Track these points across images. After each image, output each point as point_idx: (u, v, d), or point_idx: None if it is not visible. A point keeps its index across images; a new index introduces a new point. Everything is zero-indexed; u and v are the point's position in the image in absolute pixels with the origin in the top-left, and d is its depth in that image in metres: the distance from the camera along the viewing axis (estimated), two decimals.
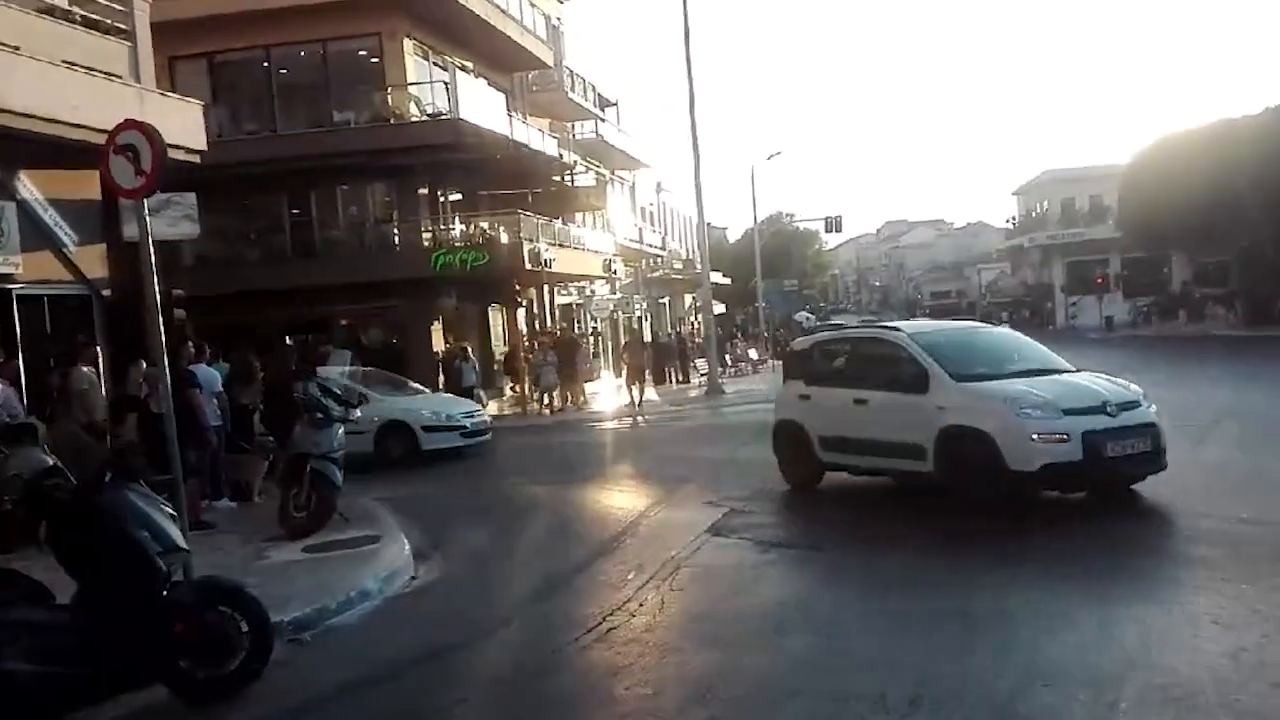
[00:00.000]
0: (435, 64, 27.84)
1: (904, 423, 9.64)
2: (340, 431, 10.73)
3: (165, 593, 5.62)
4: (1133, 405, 9.22)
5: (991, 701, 4.91)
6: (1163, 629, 5.82)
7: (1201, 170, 38.49)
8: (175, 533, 5.81)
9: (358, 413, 11.23)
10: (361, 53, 26.98)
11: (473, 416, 17.63)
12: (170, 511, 5.97)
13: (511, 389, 28.82)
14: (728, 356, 36.52)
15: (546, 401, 25.39)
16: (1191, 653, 5.36)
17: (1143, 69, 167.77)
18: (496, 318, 31.10)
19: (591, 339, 37.63)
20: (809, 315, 24.79)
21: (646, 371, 28.51)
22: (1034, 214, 66.72)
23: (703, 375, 31.02)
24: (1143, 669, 5.15)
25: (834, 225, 52.01)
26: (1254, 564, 6.92)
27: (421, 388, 19.66)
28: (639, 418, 23.42)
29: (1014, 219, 71.57)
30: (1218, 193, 37.36)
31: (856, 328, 13.31)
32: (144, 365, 11.28)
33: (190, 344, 12.30)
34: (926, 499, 9.61)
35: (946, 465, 9.22)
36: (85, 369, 11.79)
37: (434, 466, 16.13)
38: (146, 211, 7.84)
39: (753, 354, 39.44)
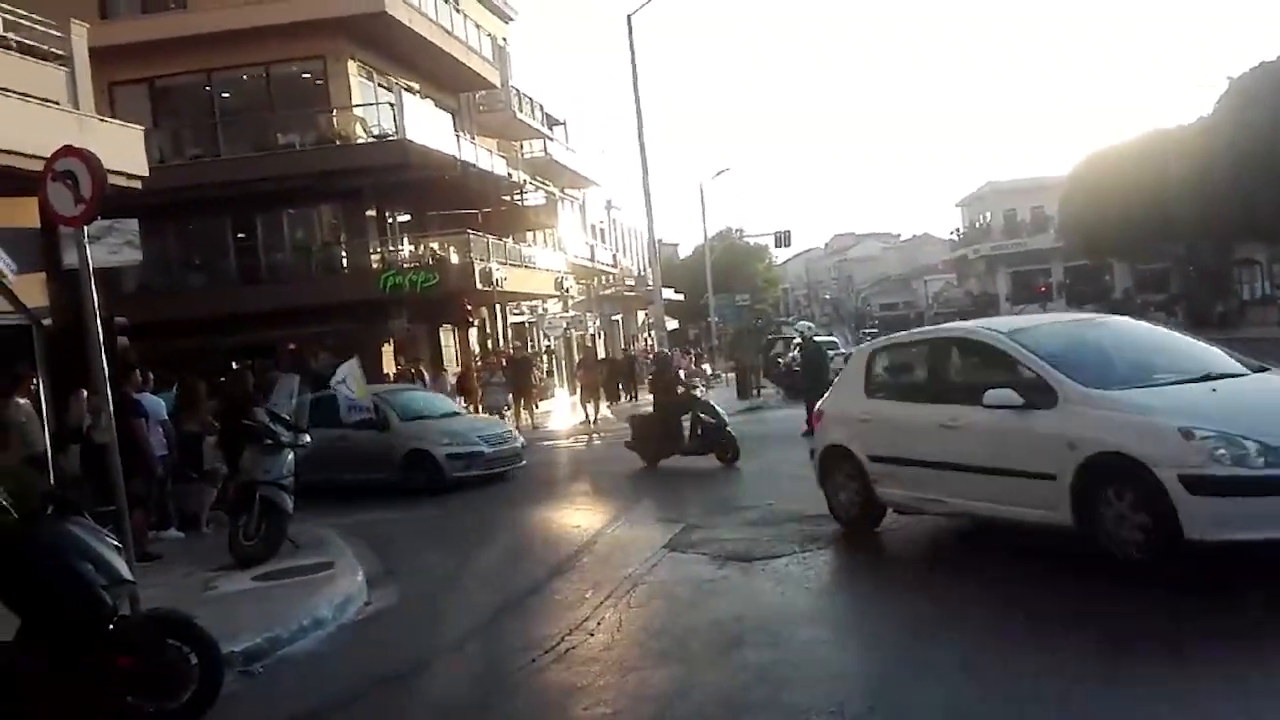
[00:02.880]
0: (381, 85, 27.74)
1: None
2: (290, 457, 10.59)
3: (111, 626, 5.50)
4: None
5: (947, 709, 4.95)
6: None
7: (1137, 180, 39.49)
8: (121, 565, 5.69)
9: (307, 438, 11.07)
10: (305, 75, 26.81)
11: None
12: (115, 543, 5.85)
13: (465, 409, 28.63)
14: (682, 372, 36.59)
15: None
16: None
17: (1081, 83, 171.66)
18: (449, 338, 30.93)
19: (545, 357, 37.57)
20: (810, 325, 24.71)
21: (601, 389, 28.52)
22: (978, 225, 67.95)
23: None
24: None
25: (783, 240, 52.47)
26: None
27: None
28: (594, 435, 23.37)
29: (958, 230, 72.84)
30: (1154, 202, 38.32)
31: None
32: (85, 395, 11.05)
33: (136, 372, 12.08)
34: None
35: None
36: (22, 401, 11.52)
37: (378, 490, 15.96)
38: (86, 239, 7.70)
39: (707, 369, 39.58)
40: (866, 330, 54.67)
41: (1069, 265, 56.44)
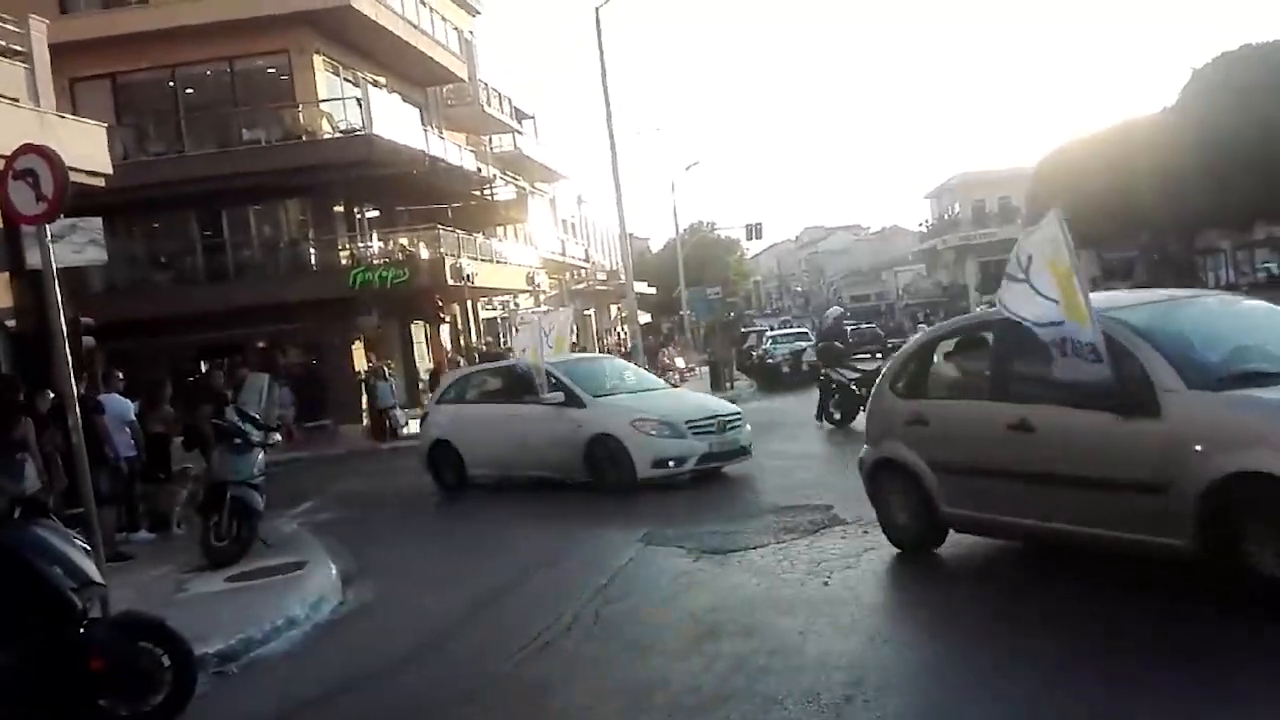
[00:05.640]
0: (347, 80, 27.52)
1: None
2: (260, 457, 10.50)
3: (82, 630, 5.44)
4: None
5: (924, 694, 4.98)
6: None
7: (1104, 169, 39.83)
8: (90, 567, 5.63)
9: (277, 436, 10.99)
10: (270, 70, 26.55)
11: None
12: (84, 545, 5.79)
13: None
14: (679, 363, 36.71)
15: None
16: None
17: (1048, 75, 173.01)
18: (420, 335, 30.77)
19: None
20: (841, 309, 24.61)
21: None
22: (946, 216, 68.36)
23: None
24: None
25: (754, 232, 52.63)
26: None
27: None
28: None
29: (927, 222, 73.21)
30: (1119, 191, 38.69)
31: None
32: (50, 396, 10.90)
33: (101, 372, 11.95)
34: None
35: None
36: None
37: (352, 482, 15.80)
38: (49, 238, 7.60)
39: (680, 362, 39.61)
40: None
41: None
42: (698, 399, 14.20)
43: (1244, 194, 33.11)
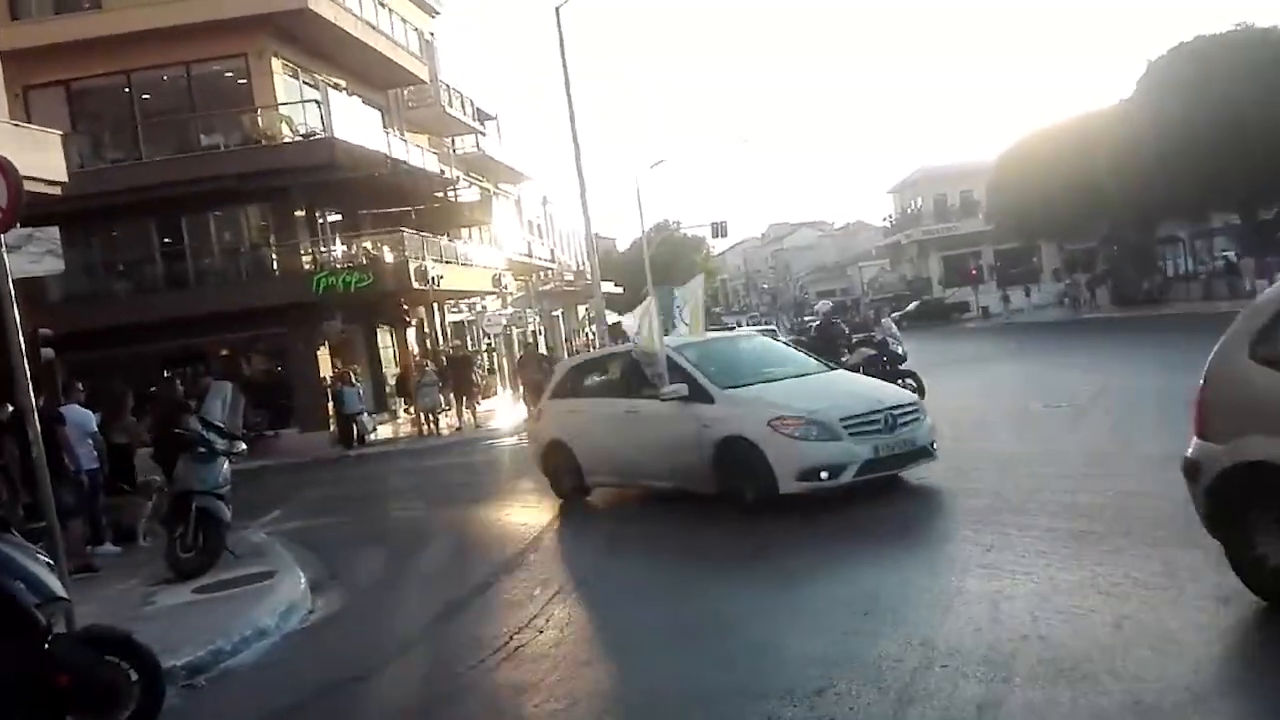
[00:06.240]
0: (306, 83, 27.27)
1: None
2: (225, 466, 10.39)
3: (46, 645, 5.35)
4: None
5: (894, 684, 5.01)
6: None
7: (1064, 162, 40.39)
8: (54, 581, 5.54)
9: (242, 445, 10.86)
10: (228, 74, 26.26)
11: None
12: (47, 560, 5.70)
13: (406, 411, 28.36)
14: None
15: (429, 421, 25.01)
16: (1078, 623, 5.56)
17: (1009, 69, 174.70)
18: (386, 339, 30.58)
19: (486, 355, 37.32)
20: (828, 303, 24.58)
21: (544, 385, 28.39)
22: (909, 211, 68.93)
23: None
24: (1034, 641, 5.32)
25: (720, 230, 52.82)
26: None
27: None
28: None
29: (891, 217, 73.77)
30: (1080, 183, 39.25)
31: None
32: (9, 408, 10.73)
33: (61, 383, 11.78)
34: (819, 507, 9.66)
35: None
36: None
37: (320, 489, 15.68)
38: (5, 248, 7.48)
39: None
40: (806, 318, 55.28)
41: (999, 248, 57.57)
42: (861, 386, 10.98)
43: (1200, 183, 33.66)
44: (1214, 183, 33.44)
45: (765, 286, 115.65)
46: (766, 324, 41.74)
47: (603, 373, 12.39)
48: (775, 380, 10.56)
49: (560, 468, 11.87)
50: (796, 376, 10.79)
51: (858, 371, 14.10)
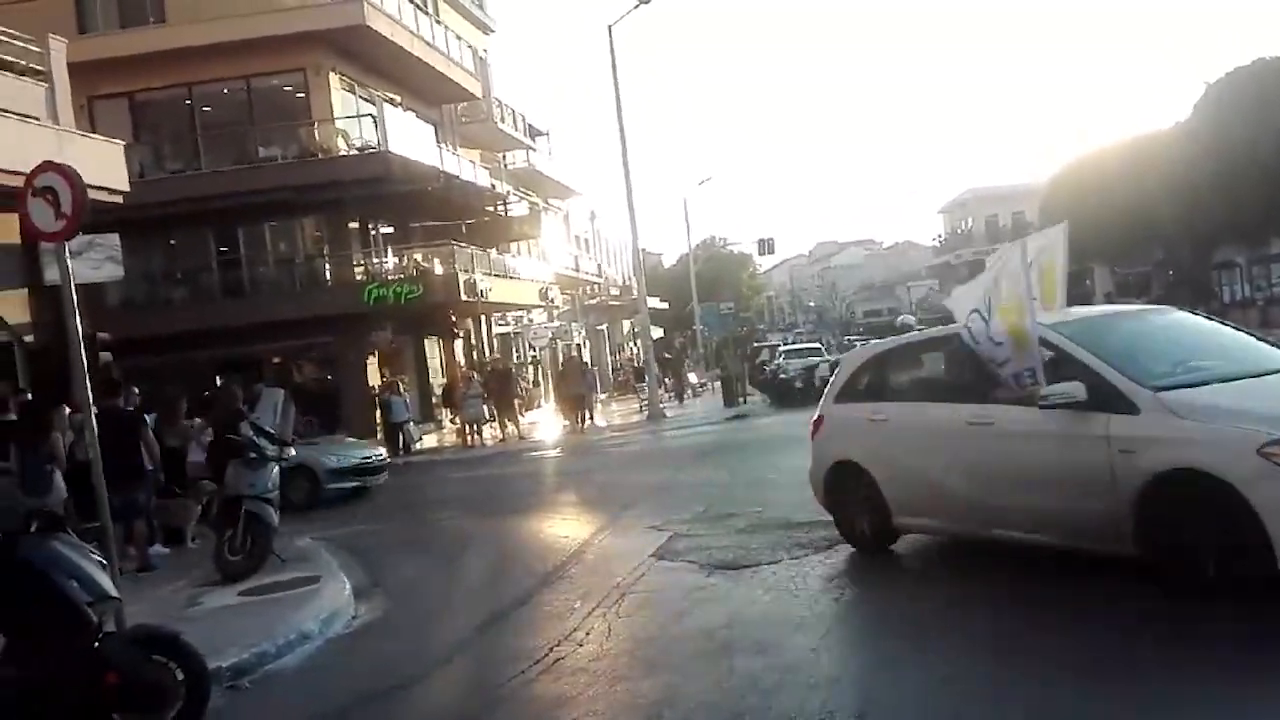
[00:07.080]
0: (362, 98, 27.71)
1: None
2: (275, 471, 10.56)
3: (96, 643, 5.46)
4: None
5: (935, 714, 4.95)
6: None
7: (1118, 185, 39.79)
8: (105, 581, 5.66)
9: (292, 451, 11.03)
10: (286, 88, 26.75)
11: None
12: (100, 559, 5.82)
13: (451, 421, 28.60)
14: (669, 380, 36.70)
15: (473, 432, 25.34)
16: None
17: (1062, 90, 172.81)
18: (434, 350, 30.88)
19: (531, 368, 37.53)
20: (912, 317, 23.72)
21: (587, 397, 28.49)
22: (959, 231, 68.34)
23: (644, 400, 31.09)
24: None
25: (766, 247, 52.66)
26: None
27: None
28: (581, 444, 23.36)
29: (941, 237, 73.16)
30: (1134, 206, 38.62)
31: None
32: (68, 412, 11.00)
33: (119, 388, 12.03)
34: None
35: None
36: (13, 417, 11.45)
37: (365, 496, 15.78)
38: (68, 254, 7.68)
39: (693, 378, 39.57)
40: (852, 337, 54.89)
41: None
42: None
43: (1258, 208, 33.00)
44: (1272, 207, 32.76)
45: (811, 304, 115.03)
46: (811, 343, 41.47)
47: (922, 364, 8.74)
48: (1228, 378, 6.49)
49: (852, 502, 8.47)
50: (1262, 374, 6.54)
51: None
